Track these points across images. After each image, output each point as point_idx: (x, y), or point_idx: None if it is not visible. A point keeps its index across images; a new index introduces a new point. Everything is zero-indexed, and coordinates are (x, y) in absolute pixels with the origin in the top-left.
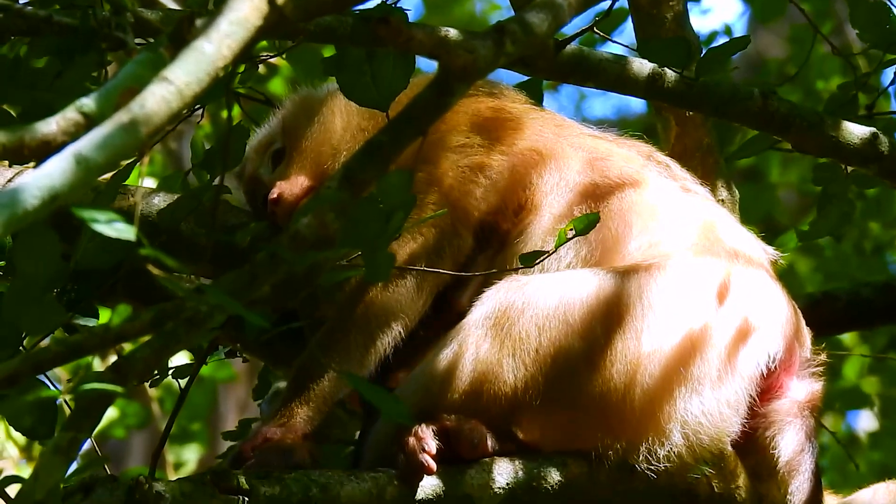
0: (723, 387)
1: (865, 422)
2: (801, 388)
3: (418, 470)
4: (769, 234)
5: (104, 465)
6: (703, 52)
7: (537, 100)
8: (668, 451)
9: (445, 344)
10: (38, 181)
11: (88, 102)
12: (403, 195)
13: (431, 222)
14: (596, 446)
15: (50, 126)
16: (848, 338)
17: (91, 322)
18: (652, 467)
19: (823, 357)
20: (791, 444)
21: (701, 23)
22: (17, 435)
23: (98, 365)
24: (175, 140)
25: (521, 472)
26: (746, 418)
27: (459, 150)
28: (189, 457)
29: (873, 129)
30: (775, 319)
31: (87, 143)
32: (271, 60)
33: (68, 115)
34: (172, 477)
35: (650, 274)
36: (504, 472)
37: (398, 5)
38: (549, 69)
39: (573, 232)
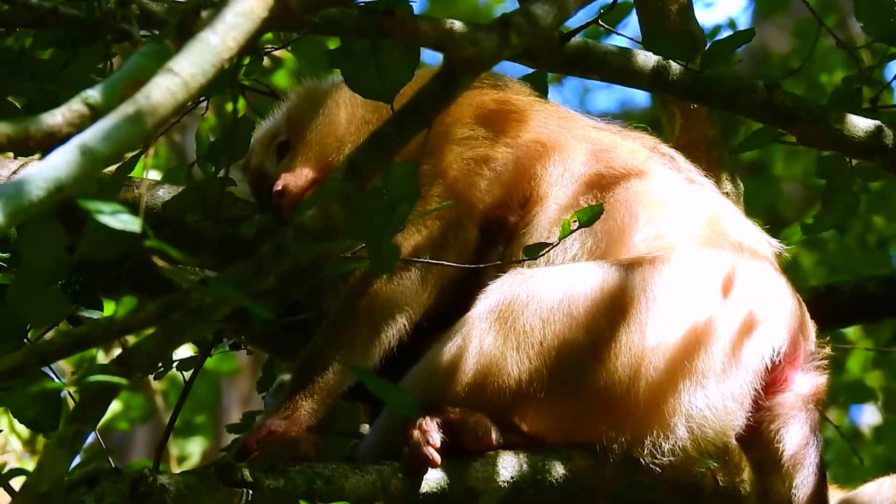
0: (727, 380)
1: (869, 416)
2: (806, 382)
3: (423, 463)
4: (773, 227)
5: (108, 457)
6: (708, 44)
7: (542, 92)
8: (673, 445)
9: (449, 337)
10: (43, 173)
11: (94, 94)
12: (408, 187)
13: (436, 214)
14: (600, 439)
15: (55, 118)
16: (852, 331)
17: (96, 314)
18: (656, 461)
19: (828, 350)
20: (796, 437)
21: (705, 16)
22: (21, 428)
23: (102, 357)
24: (180, 132)
25: (525, 466)
26: (751, 412)
27: (464, 143)
28: (193, 450)
29: (878, 122)
30: (780, 313)
31: (92, 135)
32: (276, 53)
33: (73, 107)
34: (176, 470)
35: (654, 267)
36: (508, 466)
37: None
38: (553, 61)
39: (577, 223)
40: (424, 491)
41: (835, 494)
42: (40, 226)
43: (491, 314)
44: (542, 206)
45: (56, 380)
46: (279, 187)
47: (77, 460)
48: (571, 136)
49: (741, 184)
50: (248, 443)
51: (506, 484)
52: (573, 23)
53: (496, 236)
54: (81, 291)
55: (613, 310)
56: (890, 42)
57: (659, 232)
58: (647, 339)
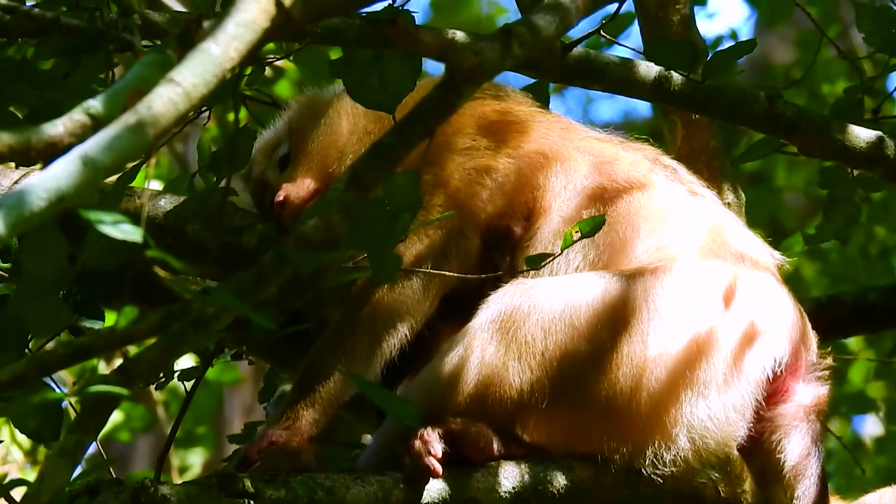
0: (729, 391)
1: (871, 426)
2: (808, 392)
3: (424, 473)
4: (775, 237)
5: (109, 468)
6: (710, 55)
7: (544, 102)
8: (675, 455)
9: (451, 347)
10: (44, 183)
11: (95, 104)
12: (410, 196)
13: (437, 224)
14: (602, 450)
15: (57, 128)
16: (854, 342)
17: (97, 324)
18: (658, 471)
19: (829, 361)
20: (797, 448)
21: (707, 26)
22: (22, 438)
23: (103, 367)
24: (181, 142)
25: (527, 476)
26: (752, 422)
27: (465, 153)
28: (194, 460)
29: (879, 133)
30: (781, 323)
31: (93, 145)
32: (278, 63)
33: (75, 117)
34: (177, 480)
35: (656, 277)
36: (510, 476)
37: (405, 7)
38: (555, 71)
39: (579, 234)
40: (426, 501)
41: None
42: (42, 236)
43: (493, 324)
44: (546, 217)
45: (57, 390)
46: (280, 198)
47: (78, 471)
48: (573, 148)
49: (743, 194)
50: (250, 453)
51: (507, 494)
52: (575, 33)
53: (501, 247)
54: (83, 301)
55: (615, 320)
56: (892, 53)
57: (661, 243)
58: (649, 350)
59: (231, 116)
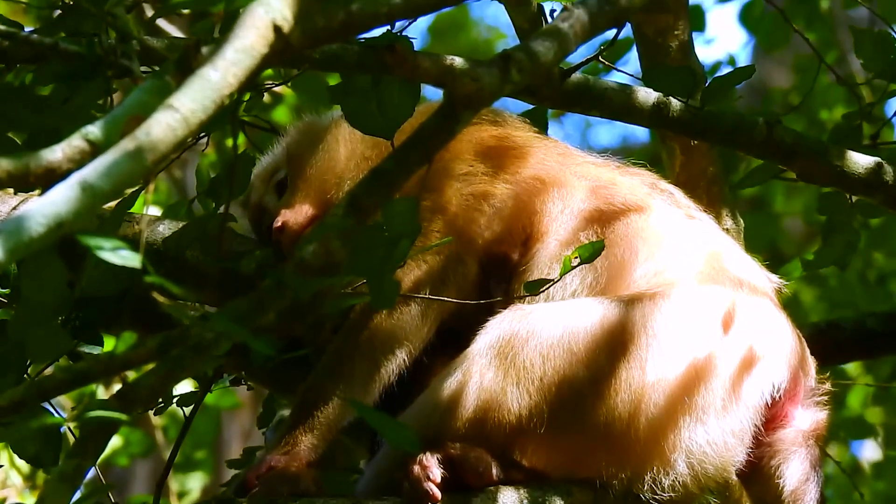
0: (727, 416)
1: (870, 451)
2: (806, 418)
3: (423, 498)
4: (774, 262)
5: (108, 493)
6: (708, 81)
7: (542, 128)
8: (673, 481)
9: (450, 372)
10: (43, 208)
11: (94, 130)
12: (409, 222)
13: (436, 250)
14: (601, 475)
15: (55, 153)
16: (852, 367)
17: (96, 349)
18: (657, 497)
19: (828, 386)
20: (796, 473)
21: (705, 52)
22: (21, 463)
23: (102, 392)
24: (180, 168)
25: (525, 501)
26: (751, 448)
27: (463, 179)
28: (193, 485)
29: (878, 159)
30: (780, 349)
31: (92, 171)
32: (276, 89)
33: (74, 143)
34: None
35: (654, 303)
36: (509, 501)
37: (403, 33)
38: (554, 97)
39: (578, 260)
40: None
41: None
42: (41, 261)
43: (491, 350)
44: (543, 242)
45: (56, 415)
46: (279, 224)
47: (77, 495)
48: (571, 173)
49: (741, 220)
50: (249, 478)
51: None
52: (574, 59)
53: (497, 274)
54: (82, 327)
55: (613, 346)
56: (890, 79)
57: (659, 268)
58: (648, 375)
59: (230, 142)
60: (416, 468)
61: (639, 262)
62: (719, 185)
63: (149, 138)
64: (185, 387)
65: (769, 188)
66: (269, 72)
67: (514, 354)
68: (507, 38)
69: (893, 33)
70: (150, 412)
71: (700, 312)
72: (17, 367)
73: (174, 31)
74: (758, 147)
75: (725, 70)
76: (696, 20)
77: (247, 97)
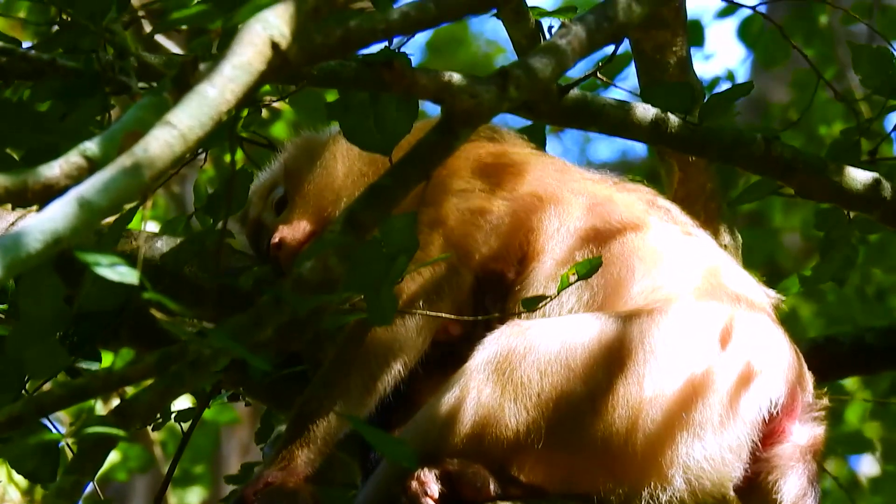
0: (725, 432)
1: (867, 466)
2: (804, 433)
3: None
4: (772, 278)
5: None
6: (707, 97)
7: (540, 144)
8: (671, 496)
9: (447, 388)
10: (41, 224)
11: (91, 146)
12: (407, 238)
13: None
14: (598, 491)
15: (53, 170)
16: (850, 382)
17: (94, 365)
18: None
19: (826, 401)
20: (793, 488)
21: (704, 68)
22: (19, 478)
23: (101, 408)
24: (178, 183)
25: None
26: (749, 463)
27: (460, 195)
28: (192, 500)
29: (876, 175)
30: (778, 364)
31: (90, 187)
32: (274, 105)
33: (71, 159)
34: None
35: (652, 318)
36: None
37: (401, 50)
38: (552, 114)
39: (575, 276)
40: None
41: None
42: (38, 277)
43: (489, 365)
44: (539, 260)
45: (54, 431)
46: (276, 240)
47: None
48: (568, 190)
49: (739, 236)
50: (246, 495)
51: None
52: (572, 75)
53: (493, 292)
54: (80, 342)
55: (611, 361)
56: (888, 94)
57: (656, 284)
58: (645, 391)
59: (228, 158)
60: (414, 484)
61: (636, 280)
62: (717, 201)
63: (146, 154)
64: (183, 402)
65: (767, 204)
66: (266, 88)
67: (511, 370)
68: (507, 52)
69: (892, 49)
70: (149, 427)
71: (697, 328)
72: (16, 383)
73: (172, 48)
74: (756, 163)
75: (724, 86)
76: (695, 36)
77: (245, 113)
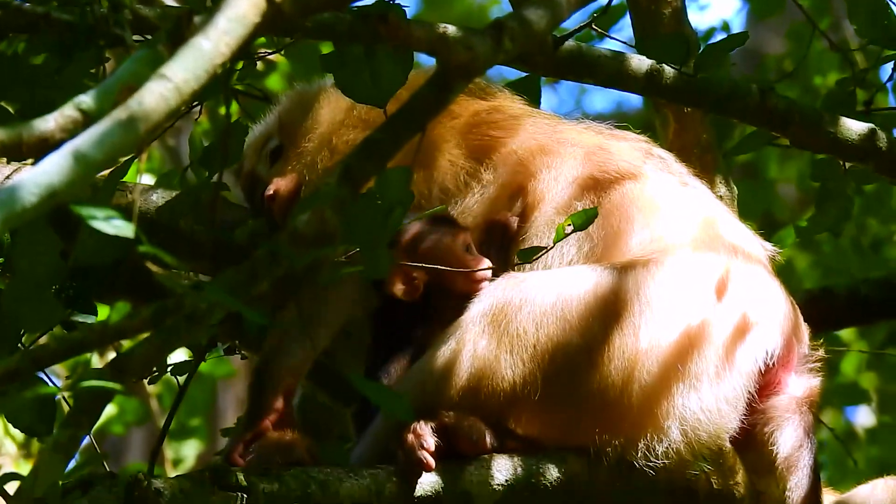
0: (721, 383)
1: (864, 417)
2: (800, 385)
3: (417, 467)
4: (768, 229)
5: (103, 461)
6: (702, 48)
7: (536, 95)
8: (667, 448)
9: (443, 341)
10: (36, 178)
11: (86, 100)
12: (402, 192)
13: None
14: (595, 442)
15: (48, 123)
16: (846, 333)
17: (90, 319)
18: (651, 464)
19: (822, 353)
20: (789, 440)
21: (699, 18)
22: (16, 432)
23: (97, 362)
24: (173, 137)
25: (520, 469)
26: (745, 415)
27: (456, 149)
28: (188, 453)
29: (871, 125)
30: (774, 316)
31: (85, 140)
32: (269, 57)
33: (66, 113)
34: (171, 473)
35: (648, 270)
36: (503, 469)
37: (396, 2)
38: (547, 65)
39: (571, 227)
40: (419, 494)
41: (829, 497)
42: (34, 231)
43: (484, 318)
44: (539, 209)
45: (51, 385)
46: (270, 191)
47: (72, 464)
48: (562, 140)
49: (735, 187)
50: (232, 459)
51: (500, 487)
52: (567, 26)
53: (496, 242)
54: (75, 296)
55: (607, 313)
56: (884, 44)
57: (655, 235)
58: (641, 342)
59: (222, 111)
60: (410, 437)
61: (635, 231)
62: (713, 153)
63: (141, 108)
64: (179, 355)
65: (763, 155)
66: (261, 40)
67: (507, 322)
68: (502, 4)
69: None
70: (145, 381)
71: (693, 279)
72: (12, 337)
73: (167, 0)
74: (751, 114)
75: (719, 37)
76: None
77: (239, 65)
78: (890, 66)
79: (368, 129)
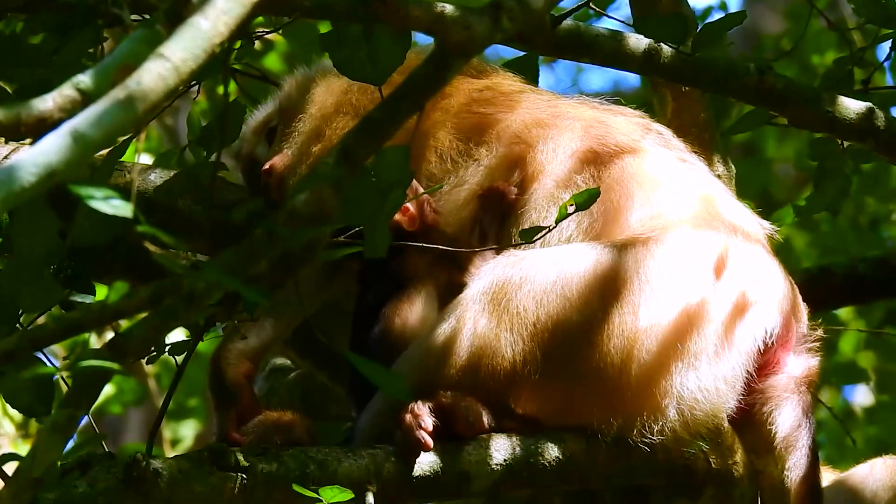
0: (720, 362)
1: (862, 396)
2: (798, 364)
3: (415, 446)
4: (766, 208)
5: (101, 442)
6: (699, 27)
7: (534, 75)
8: (664, 427)
9: (443, 319)
10: (34, 158)
11: (85, 79)
12: (400, 171)
13: None
14: (593, 421)
15: (46, 103)
16: (844, 312)
17: (88, 299)
18: (648, 442)
19: (820, 332)
20: (788, 419)
21: None
22: (14, 411)
23: (95, 342)
24: (171, 116)
25: (518, 449)
26: (743, 394)
27: (455, 127)
28: (186, 432)
29: (869, 104)
30: (772, 295)
31: (83, 120)
32: (267, 36)
33: (65, 92)
34: (169, 453)
35: (647, 248)
36: (501, 449)
37: None
38: (545, 45)
39: (573, 207)
40: (417, 474)
41: (827, 476)
42: (32, 211)
43: (484, 296)
44: (539, 182)
45: (49, 365)
46: (267, 166)
47: (70, 445)
48: (561, 115)
49: (733, 166)
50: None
51: (499, 467)
52: (565, 6)
53: (492, 211)
54: (74, 276)
55: (606, 291)
56: (881, 23)
57: (654, 211)
58: (640, 321)
59: (221, 90)
60: (408, 416)
61: (634, 207)
62: (711, 131)
63: (140, 87)
64: (177, 335)
65: (761, 134)
66: (259, 19)
67: (507, 300)
68: None
69: None
70: (143, 361)
71: (693, 258)
72: (10, 317)
73: None
74: (749, 93)
75: (717, 16)
76: None
77: (238, 45)
78: (887, 44)
79: (366, 110)
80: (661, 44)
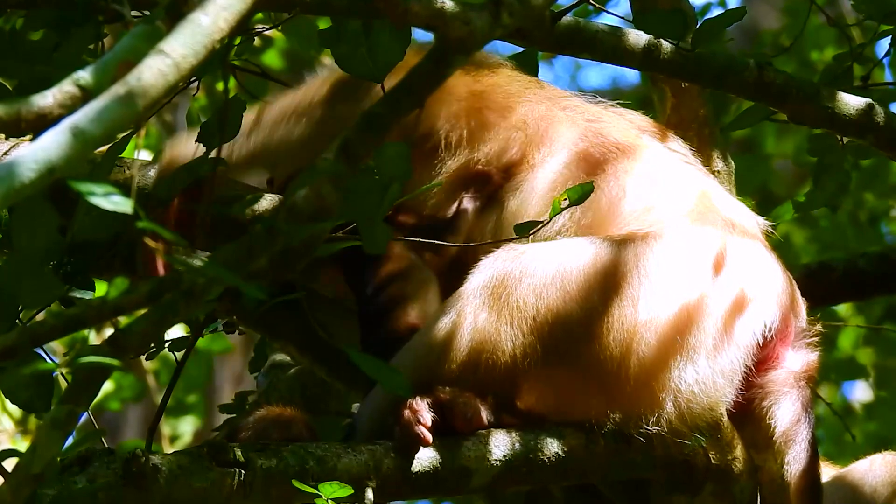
0: (719, 356)
1: (861, 392)
2: (797, 359)
3: (414, 442)
4: (765, 204)
5: (101, 438)
6: (699, 23)
7: (533, 70)
8: (664, 421)
9: (442, 314)
10: (34, 154)
11: (85, 75)
12: (400, 167)
13: None
14: (592, 416)
15: (46, 99)
16: (843, 308)
17: (88, 295)
18: (647, 437)
19: (819, 328)
20: (787, 414)
21: None
22: (13, 408)
23: (94, 338)
24: (171, 112)
25: (518, 444)
26: (743, 389)
27: (453, 118)
28: (185, 429)
29: (869, 100)
30: (771, 290)
31: (83, 116)
32: (267, 32)
33: (65, 88)
34: (168, 449)
35: (647, 243)
36: (501, 444)
37: None
38: (545, 41)
39: (567, 202)
40: (417, 470)
41: (827, 471)
42: (32, 207)
43: (484, 290)
44: (531, 171)
45: (48, 361)
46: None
47: (70, 441)
48: (559, 109)
49: (732, 162)
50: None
51: (498, 462)
52: (564, 1)
53: (476, 190)
54: (73, 272)
55: (606, 285)
56: (881, 19)
57: (649, 204)
58: (640, 315)
59: (220, 86)
60: (407, 412)
61: (629, 200)
62: (710, 128)
63: (140, 83)
64: (176, 331)
65: (760, 130)
66: (259, 16)
67: (507, 294)
68: None
69: None
70: (142, 357)
71: (692, 253)
72: (9, 313)
73: None
74: (748, 89)
75: (716, 12)
76: None
77: (237, 41)
78: (887, 41)
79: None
80: (661, 40)
